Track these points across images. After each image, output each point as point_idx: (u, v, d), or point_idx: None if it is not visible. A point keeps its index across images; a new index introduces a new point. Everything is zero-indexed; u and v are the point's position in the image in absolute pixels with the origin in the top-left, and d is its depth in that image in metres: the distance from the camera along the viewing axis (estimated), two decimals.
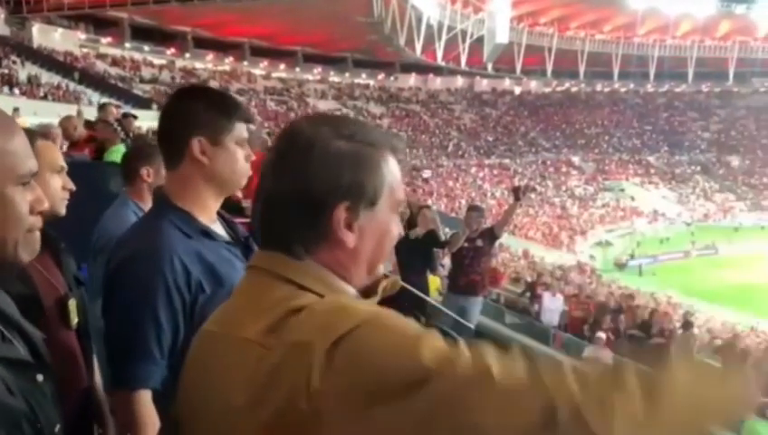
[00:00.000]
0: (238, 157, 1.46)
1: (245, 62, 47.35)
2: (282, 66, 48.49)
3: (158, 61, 41.71)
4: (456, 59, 51.14)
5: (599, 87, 60.53)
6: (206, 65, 45.03)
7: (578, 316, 9.18)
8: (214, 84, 42.55)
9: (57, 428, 0.87)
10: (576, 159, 50.82)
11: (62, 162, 1.64)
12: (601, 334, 7.41)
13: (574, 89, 59.90)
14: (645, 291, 24.63)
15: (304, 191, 0.83)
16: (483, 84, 56.34)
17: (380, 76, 53.06)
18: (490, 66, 52.01)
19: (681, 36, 58.43)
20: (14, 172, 0.85)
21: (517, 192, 5.14)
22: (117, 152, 4.81)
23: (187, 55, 44.22)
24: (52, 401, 0.88)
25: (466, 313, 5.41)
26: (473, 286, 5.58)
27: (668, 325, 9.06)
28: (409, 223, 5.54)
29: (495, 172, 45.78)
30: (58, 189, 1.59)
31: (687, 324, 8.68)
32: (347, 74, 51.63)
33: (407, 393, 0.67)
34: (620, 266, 32.70)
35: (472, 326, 5.12)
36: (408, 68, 53.67)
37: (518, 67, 54.50)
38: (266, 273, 0.85)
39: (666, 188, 48.76)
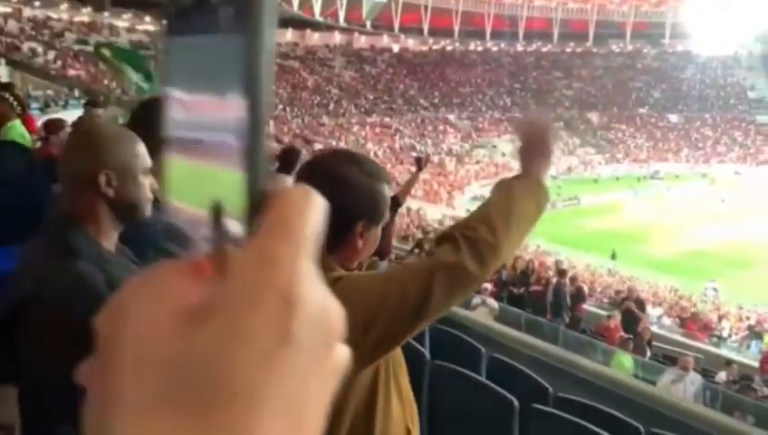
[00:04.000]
0: None
1: (106, 13, 43.54)
2: (147, 18, 45.12)
3: (2, 8, 37.24)
4: (334, 15, 50.33)
5: (472, 46, 62.30)
6: (59, 15, 40.85)
7: None
8: (70, 37, 38.88)
9: None
10: (452, 118, 52.39)
11: None
12: (487, 285, 7.85)
13: (449, 47, 61.22)
14: None
15: (339, 214, 1.07)
16: (361, 41, 56.05)
17: None
18: (369, 23, 51.76)
19: None
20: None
21: (420, 162, 5.26)
22: (13, 129, 4.30)
23: (37, 3, 39.83)
24: None
25: None
26: (379, 252, 5.66)
27: (545, 274, 9.77)
28: None
29: (377, 131, 46.13)
30: None
31: (562, 272, 9.40)
32: None
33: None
34: None
35: None
36: (285, 22, 52.06)
37: (396, 25, 54.69)
38: None
39: None
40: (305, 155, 4.15)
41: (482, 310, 7.13)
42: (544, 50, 65.34)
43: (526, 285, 9.24)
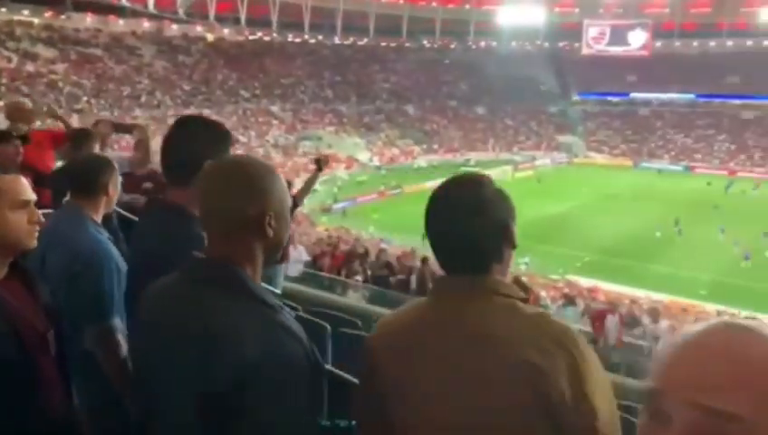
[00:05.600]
0: None
1: None
2: None
3: None
4: (143, 0, 46.81)
5: (291, 37, 61.89)
6: None
7: (329, 264, 9.43)
8: None
9: None
10: (275, 109, 51.64)
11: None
12: (359, 277, 7.84)
13: (267, 38, 60.20)
14: (353, 230, 26.73)
15: (505, 227, 1.20)
16: (173, 29, 52.82)
17: (48, 14, 45.63)
18: (181, 11, 48.91)
19: None
20: None
21: (319, 162, 5.01)
22: None
23: None
24: None
25: (273, 280, 5.21)
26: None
27: (410, 263, 10.02)
28: None
29: None
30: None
31: (425, 260, 9.70)
32: (3, 10, 43.12)
33: None
34: (326, 211, 34.72)
35: (279, 291, 4.88)
36: (83, 6, 47.23)
37: (211, 13, 52.41)
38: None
39: (357, 136, 52.87)
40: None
41: (354, 295, 7.11)
42: (361, 43, 66.99)
43: (391, 275, 9.41)
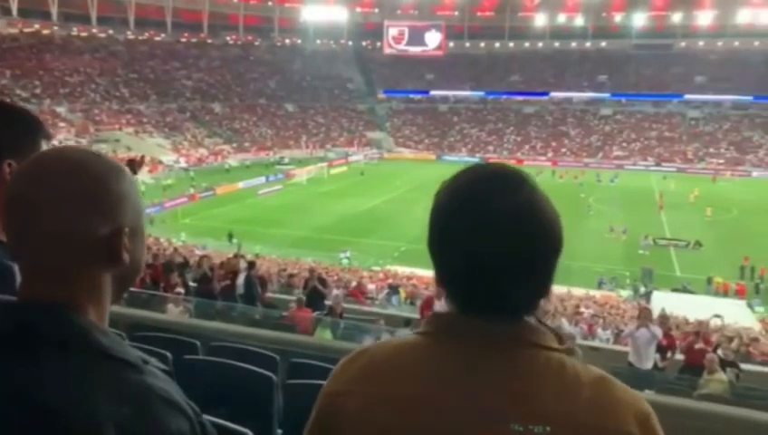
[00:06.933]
0: None
1: None
2: None
3: None
4: None
5: (75, 31, 56.14)
6: None
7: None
8: None
9: None
10: (62, 111, 46.39)
11: None
12: (180, 290, 7.09)
13: (46, 31, 53.96)
14: (162, 239, 24.89)
15: (560, 248, 0.86)
16: None
17: None
18: None
19: None
20: None
21: (132, 165, 4.15)
22: None
23: None
24: None
25: None
26: None
27: (234, 269, 9.39)
28: None
29: None
30: None
31: (251, 264, 9.13)
32: None
33: None
34: None
35: None
36: None
37: None
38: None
39: (160, 137, 49.54)
40: None
41: (174, 309, 6.30)
42: (158, 39, 62.97)
43: (209, 282, 8.71)
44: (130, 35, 60.47)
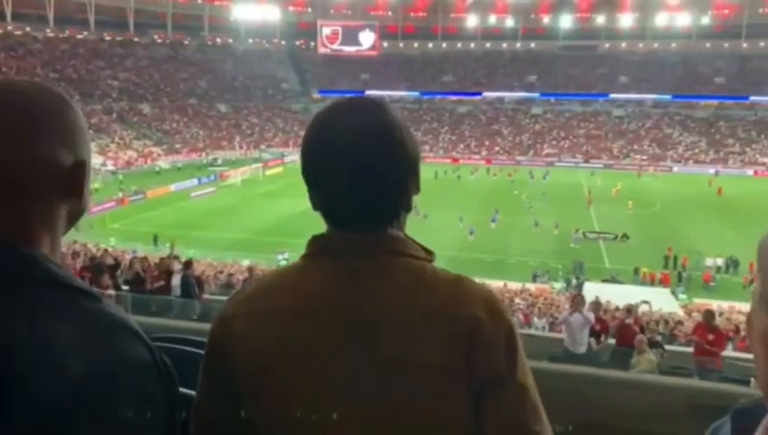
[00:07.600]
0: None
1: None
2: None
3: None
4: None
5: None
6: None
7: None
8: None
9: None
10: None
11: None
12: (111, 292, 6.73)
13: None
14: (89, 244, 23.77)
15: (417, 164, 0.96)
16: None
17: None
18: None
19: None
20: None
21: None
22: None
23: None
24: None
25: None
26: None
27: (171, 268, 9.08)
28: None
29: None
30: None
31: (188, 265, 8.76)
32: None
33: None
34: None
35: None
36: None
37: None
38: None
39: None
40: None
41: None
42: (80, 37, 60.26)
43: (142, 284, 8.35)
44: (50, 33, 57.62)
